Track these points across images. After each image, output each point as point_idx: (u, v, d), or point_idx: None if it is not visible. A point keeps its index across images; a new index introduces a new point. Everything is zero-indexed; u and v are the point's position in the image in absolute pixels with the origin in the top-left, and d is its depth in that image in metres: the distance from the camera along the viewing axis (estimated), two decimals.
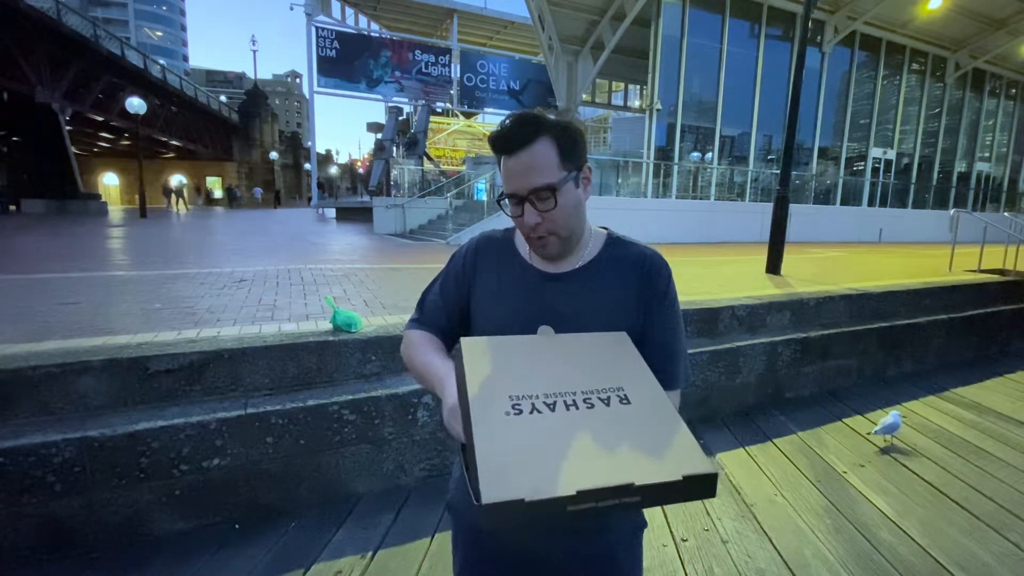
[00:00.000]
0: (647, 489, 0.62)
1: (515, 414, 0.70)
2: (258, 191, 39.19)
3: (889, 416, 3.20)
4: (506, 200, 0.88)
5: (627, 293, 0.91)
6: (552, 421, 0.70)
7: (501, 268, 0.97)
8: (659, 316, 0.92)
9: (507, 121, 0.84)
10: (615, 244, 0.96)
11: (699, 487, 0.64)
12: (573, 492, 0.59)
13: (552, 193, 0.83)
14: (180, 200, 26.74)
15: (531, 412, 0.70)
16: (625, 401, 0.74)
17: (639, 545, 0.98)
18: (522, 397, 0.73)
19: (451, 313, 1.00)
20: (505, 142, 0.83)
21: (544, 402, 0.72)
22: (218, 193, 39.26)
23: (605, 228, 1.00)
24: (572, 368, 0.79)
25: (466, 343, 0.81)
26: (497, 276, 0.97)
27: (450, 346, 0.99)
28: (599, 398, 0.74)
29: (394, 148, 22.74)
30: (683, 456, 0.66)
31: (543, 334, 0.88)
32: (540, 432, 0.68)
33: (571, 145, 0.85)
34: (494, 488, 0.59)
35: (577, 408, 0.72)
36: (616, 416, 0.72)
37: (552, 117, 0.84)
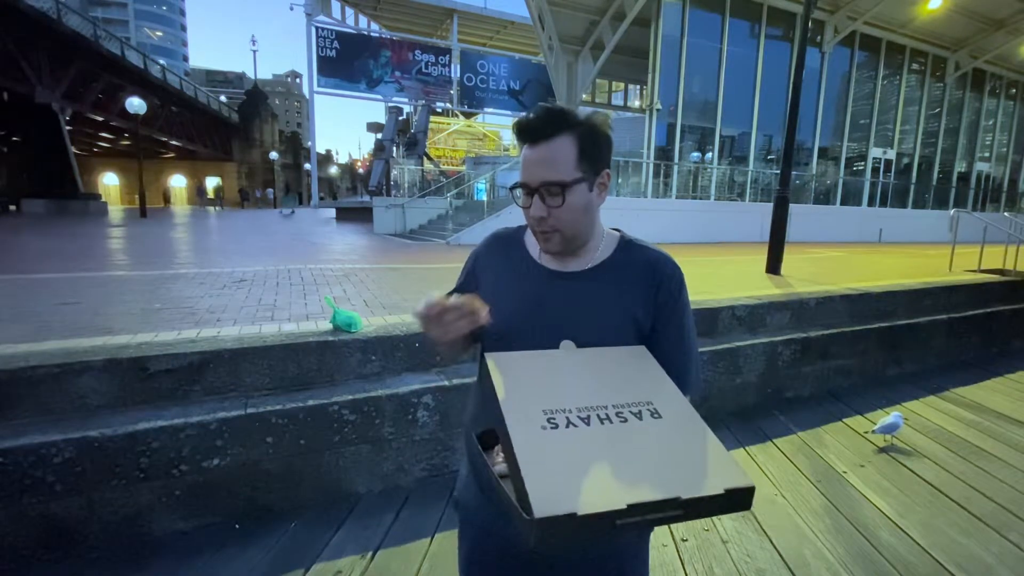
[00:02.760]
0: (691, 503, 0.62)
1: (551, 428, 0.70)
2: (271, 192, 41.68)
3: (890, 416, 3.21)
4: (519, 190, 0.88)
5: (637, 296, 0.90)
6: (589, 435, 0.70)
7: (509, 265, 0.97)
8: (671, 321, 0.91)
9: (535, 111, 0.84)
10: (627, 247, 0.95)
11: (738, 500, 0.64)
12: (623, 506, 0.59)
13: (562, 190, 0.83)
14: (212, 199, 28.09)
15: (567, 426, 0.70)
16: (656, 415, 0.74)
17: (646, 546, 0.99)
18: (556, 411, 0.72)
19: None
20: (528, 131, 0.84)
21: (579, 416, 0.72)
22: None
23: (618, 230, 0.99)
24: (600, 382, 0.79)
25: (491, 358, 0.81)
26: (504, 272, 0.97)
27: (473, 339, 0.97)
28: (631, 412, 0.74)
29: (394, 148, 22.75)
30: (723, 470, 0.66)
31: (565, 349, 0.87)
32: (581, 446, 0.68)
33: (593, 147, 0.85)
34: (546, 502, 0.59)
35: (611, 422, 0.72)
36: (651, 430, 0.72)
37: (580, 116, 0.84)
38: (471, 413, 1.01)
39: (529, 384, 0.77)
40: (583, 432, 0.70)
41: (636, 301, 0.90)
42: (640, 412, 0.74)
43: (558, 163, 0.83)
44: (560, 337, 0.88)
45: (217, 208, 27.10)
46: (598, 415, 0.73)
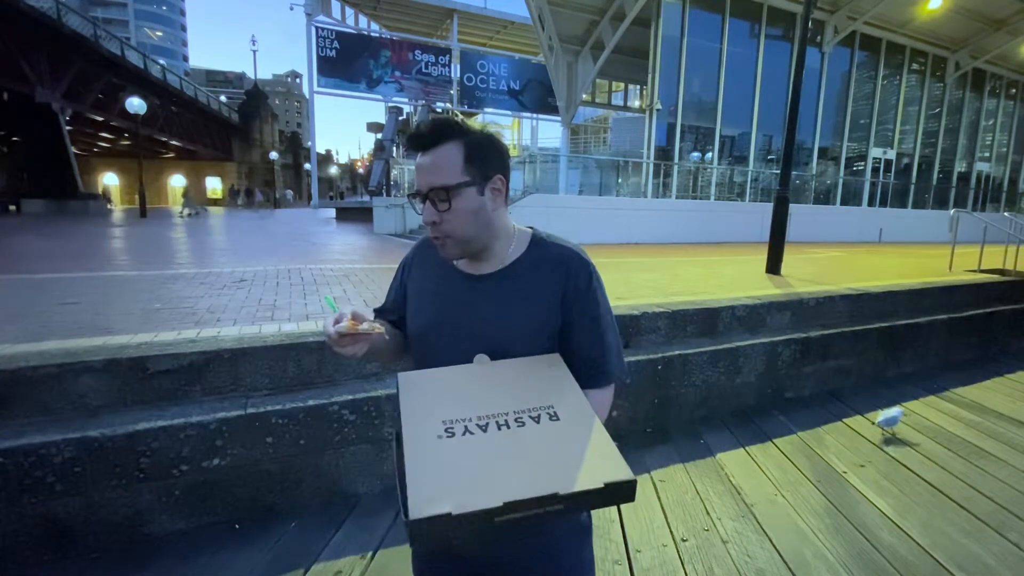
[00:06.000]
0: (570, 498, 0.65)
1: (448, 436, 0.73)
2: (289, 193, 44.34)
3: (892, 409, 3.31)
4: (416, 198, 0.91)
5: (547, 293, 0.92)
6: (483, 440, 0.73)
7: (432, 270, 1.02)
8: (584, 314, 0.93)
9: (425, 122, 0.90)
10: (538, 245, 0.97)
11: (620, 492, 0.67)
12: (500, 504, 0.62)
13: (447, 194, 0.86)
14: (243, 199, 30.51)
15: (464, 434, 0.74)
16: (554, 418, 0.78)
17: (588, 548, 0.99)
18: (455, 421, 0.76)
19: (399, 311, 1.08)
20: (417, 140, 0.88)
21: (477, 424, 0.75)
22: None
23: (531, 228, 1.01)
24: (505, 390, 0.82)
25: (403, 377, 0.85)
26: (427, 279, 1.02)
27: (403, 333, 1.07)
28: (530, 416, 0.77)
29: (394, 148, 22.74)
30: (605, 464, 0.70)
31: (479, 363, 0.89)
32: (471, 451, 0.71)
33: (481, 154, 0.88)
34: (421, 504, 0.62)
35: (508, 427, 0.75)
36: (545, 432, 0.75)
37: (469, 128, 0.90)
38: None
39: (434, 398, 0.81)
40: (478, 438, 0.73)
41: (547, 298, 0.92)
42: (539, 416, 0.77)
43: (444, 168, 0.86)
44: (477, 339, 0.91)
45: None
46: (496, 421, 0.76)
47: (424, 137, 0.87)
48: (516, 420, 0.76)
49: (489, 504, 0.62)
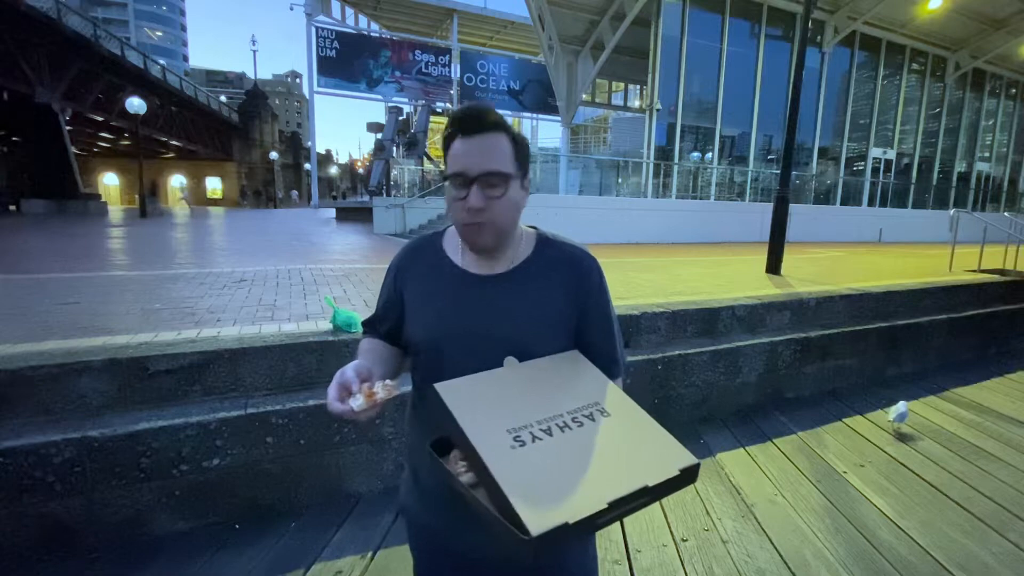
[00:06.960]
0: (656, 488, 0.68)
1: (519, 446, 0.73)
2: (294, 193, 45.45)
3: (899, 405, 3.37)
4: (450, 183, 0.86)
5: (559, 293, 0.93)
6: (555, 445, 0.74)
7: (430, 272, 0.97)
8: (596, 312, 0.95)
9: (471, 106, 0.87)
10: (546, 245, 0.97)
11: (689, 476, 0.72)
12: (604, 505, 0.64)
13: (505, 182, 0.85)
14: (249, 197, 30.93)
15: (532, 441, 0.74)
16: (605, 414, 0.80)
17: (591, 547, 1.00)
18: (519, 428, 0.76)
19: (391, 320, 1.02)
20: (469, 121, 0.84)
21: (540, 429, 0.76)
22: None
23: (534, 227, 1.01)
24: (549, 393, 0.83)
25: (442, 387, 0.83)
26: (428, 281, 0.97)
27: (398, 346, 1.03)
28: (584, 415, 0.79)
29: (394, 148, 22.71)
30: (672, 452, 0.74)
31: (508, 366, 0.88)
32: (550, 457, 0.72)
33: (523, 150, 0.89)
34: (538, 519, 0.62)
35: (571, 428, 0.76)
36: (605, 429, 0.77)
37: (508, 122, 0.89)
38: (411, 425, 1.03)
39: (485, 408, 0.80)
40: (548, 443, 0.74)
41: (561, 297, 0.93)
42: (592, 414, 0.79)
43: (500, 155, 0.84)
44: (497, 342, 0.89)
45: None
46: (557, 424, 0.77)
47: (477, 120, 0.84)
48: (574, 420, 0.77)
49: (596, 507, 0.63)
